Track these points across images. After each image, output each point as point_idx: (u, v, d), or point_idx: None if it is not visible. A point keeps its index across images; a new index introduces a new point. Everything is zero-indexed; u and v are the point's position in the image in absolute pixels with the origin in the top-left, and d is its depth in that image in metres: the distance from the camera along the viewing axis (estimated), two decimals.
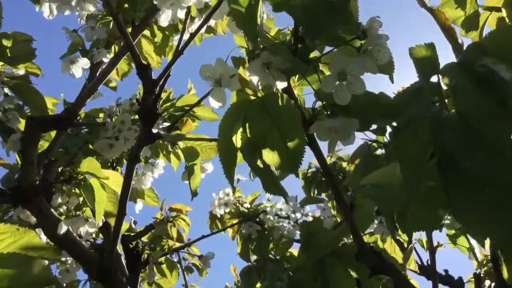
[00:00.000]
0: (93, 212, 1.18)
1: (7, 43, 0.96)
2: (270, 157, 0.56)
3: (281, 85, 0.58)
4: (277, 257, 1.67)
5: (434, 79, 0.58)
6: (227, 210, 1.71)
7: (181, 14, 0.80)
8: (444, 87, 0.56)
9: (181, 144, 1.07)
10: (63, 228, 0.95)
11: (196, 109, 1.31)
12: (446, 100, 0.54)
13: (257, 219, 1.67)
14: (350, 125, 0.58)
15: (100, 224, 1.02)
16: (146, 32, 1.12)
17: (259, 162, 0.57)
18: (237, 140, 0.59)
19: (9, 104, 1.03)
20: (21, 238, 0.58)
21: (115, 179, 1.01)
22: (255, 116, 0.57)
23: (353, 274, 0.83)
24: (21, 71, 1.01)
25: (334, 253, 0.85)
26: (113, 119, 1.30)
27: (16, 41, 0.99)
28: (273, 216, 1.66)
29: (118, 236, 0.98)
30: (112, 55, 1.08)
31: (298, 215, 1.69)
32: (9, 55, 0.95)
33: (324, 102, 0.62)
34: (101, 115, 1.37)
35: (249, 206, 1.74)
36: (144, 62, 0.85)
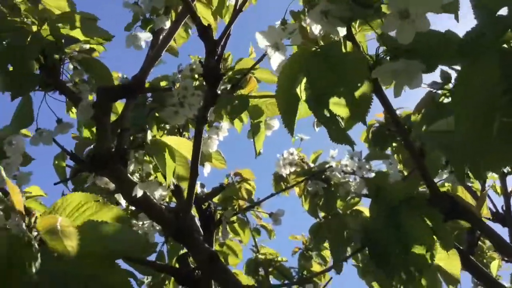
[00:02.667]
0: (165, 177, 1.23)
1: (77, 22, 1.01)
2: (336, 106, 0.56)
3: (342, 32, 0.58)
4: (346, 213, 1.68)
5: (503, 11, 0.55)
6: (292, 169, 1.72)
7: None
8: None
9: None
10: (139, 191, 1.00)
11: (255, 72, 1.32)
12: None
13: (323, 176, 1.68)
14: (414, 67, 0.56)
15: (172, 187, 1.07)
16: None
17: (325, 112, 0.57)
18: (301, 91, 0.59)
19: (79, 77, 1.08)
20: (100, 210, 0.62)
21: (184, 144, 1.05)
22: (318, 67, 0.57)
23: (428, 222, 0.83)
24: (86, 45, 1.05)
25: (406, 201, 0.85)
26: (176, 86, 1.34)
27: (83, 20, 1.03)
28: (339, 173, 1.66)
29: (192, 196, 1.02)
30: (170, 21, 1.11)
31: (364, 170, 1.68)
32: (82, 37, 0.99)
33: (386, 46, 0.61)
34: (163, 84, 1.41)
35: (312, 164, 1.75)
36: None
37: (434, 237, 0.82)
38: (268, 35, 0.61)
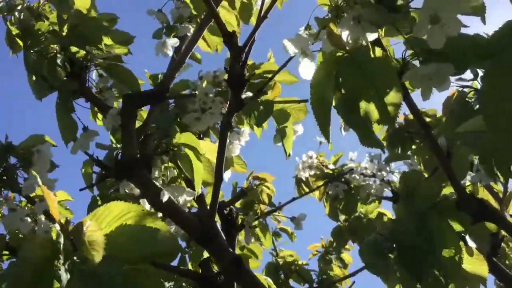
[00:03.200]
0: (188, 182, 1.25)
1: (101, 26, 1.03)
2: (366, 110, 0.57)
3: (372, 37, 0.58)
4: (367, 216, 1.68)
5: None
6: (312, 172, 1.73)
7: None
8: None
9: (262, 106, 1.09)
10: (165, 196, 1.01)
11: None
12: None
13: (343, 179, 1.69)
14: (445, 70, 0.57)
15: (200, 193, 1.08)
16: (224, 2, 1.15)
17: (355, 117, 0.58)
18: (331, 96, 0.60)
19: (104, 84, 1.10)
20: (144, 216, 0.64)
21: (208, 148, 1.06)
22: (347, 72, 0.58)
23: (456, 226, 0.83)
24: (112, 51, 1.07)
25: (435, 206, 0.85)
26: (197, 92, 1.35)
27: (106, 23, 1.05)
28: (359, 175, 1.66)
29: (217, 201, 1.03)
30: (194, 28, 1.12)
31: (384, 173, 1.68)
32: (106, 41, 1.01)
33: (415, 50, 0.61)
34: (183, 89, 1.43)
35: (333, 167, 1.75)
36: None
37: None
38: (296, 42, 0.62)
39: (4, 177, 1.24)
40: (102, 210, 0.65)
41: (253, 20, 1.25)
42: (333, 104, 0.60)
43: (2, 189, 1.24)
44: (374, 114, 0.57)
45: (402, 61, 0.65)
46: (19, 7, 1.10)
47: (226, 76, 1.08)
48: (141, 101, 1.02)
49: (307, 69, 0.63)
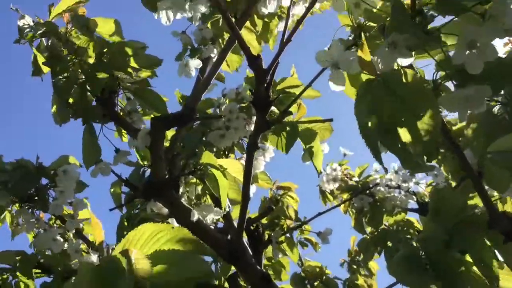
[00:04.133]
0: (214, 197, 1.26)
1: (126, 51, 1.05)
2: (404, 135, 0.57)
3: (407, 61, 0.58)
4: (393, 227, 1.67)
5: None
6: (336, 185, 1.72)
7: (286, 1, 0.83)
8: None
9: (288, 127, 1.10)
10: (195, 216, 1.03)
11: (297, 90, 1.33)
12: None
13: (367, 191, 1.68)
14: (483, 92, 0.57)
15: (227, 210, 1.09)
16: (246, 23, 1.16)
17: (393, 141, 0.58)
18: (371, 120, 0.60)
19: (132, 107, 1.11)
20: (176, 235, 0.65)
21: (234, 166, 1.07)
22: (381, 97, 0.58)
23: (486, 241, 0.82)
24: (139, 75, 1.09)
25: (465, 221, 0.84)
26: (221, 110, 1.36)
27: (134, 49, 1.07)
28: (384, 187, 1.66)
29: (244, 220, 1.03)
30: (218, 49, 1.14)
31: (410, 184, 1.67)
32: (133, 64, 1.03)
33: (447, 72, 0.61)
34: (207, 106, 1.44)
35: (358, 179, 1.75)
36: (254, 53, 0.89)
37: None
38: (329, 54, 0.63)
39: (36, 198, 1.28)
40: (134, 234, 0.66)
41: (270, 43, 1.26)
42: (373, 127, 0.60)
43: (34, 209, 1.27)
44: (413, 138, 0.57)
45: (433, 83, 0.65)
46: (43, 30, 1.12)
47: (250, 96, 1.10)
48: (169, 123, 1.03)
49: (338, 82, 0.63)
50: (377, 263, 1.89)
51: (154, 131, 1.03)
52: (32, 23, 1.11)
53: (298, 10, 0.97)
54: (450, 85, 0.65)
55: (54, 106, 1.04)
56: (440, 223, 0.90)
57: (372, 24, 0.80)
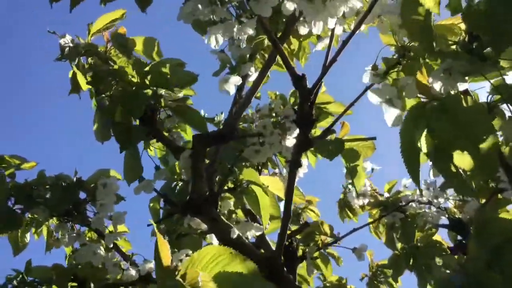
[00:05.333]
0: (246, 213, 1.27)
1: (166, 69, 1.07)
2: (460, 160, 0.58)
3: (462, 86, 0.59)
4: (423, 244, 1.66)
5: None
6: (366, 201, 1.72)
7: (331, 23, 0.84)
8: None
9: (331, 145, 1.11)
10: (235, 233, 1.04)
11: (328, 106, 1.34)
12: None
13: (398, 207, 1.67)
14: None
15: (267, 227, 1.10)
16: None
17: (448, 165, 0.58)
18: (422, 143, 0.61)
19: (172, 124, 1.13)
20: (235, 259, 0.66)
21: (275, 184, 1.08)
22: (439, 121, 0.59)
23: None
24: (180, 93, 1.11)
25: (509, 240, 0.83)
26: (254, 126, 1.38)
27: (172, 67, 1.09)
28: (415, 203, 1.65)
29: (285, 237, 1.04)
30: (254, 67, 1.15)
31: (441, 200, 1.66)
32: (170, 81, 1.05)
33: (503, 96, 0.62)
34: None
35: (387, 195, 1.74)
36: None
37: None
38: (381, 92, 0.64)
39: (74, 212, 1.30)
40: (197, 255, 0.67)
41: (302, 61, 1.27)
42: (424, 150, 0.61)
43: (73, 223, 1.29)
44: (469, 163, 0.57)
45: (487, 105, 0.66)
46: (84, 50, 1.15)
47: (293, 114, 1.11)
48: (210, 142, 1.05)
49: (393, 116, 0.64)
50: (400, 279, 1.87)
51: (196, 149, 1.05)
52: (72, 42, 1.13)
53: (339, 31, 0.98)
54: (504, 108, 0.66)
55: (96, 124, 1.06)
56: (484, 242, 0.90)
57: (416, 44, 0.81)
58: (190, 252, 1.01)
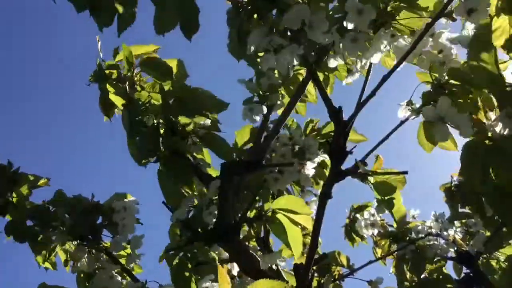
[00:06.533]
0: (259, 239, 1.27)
1: (197, 94, 1.07)
2: None
3: None
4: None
5: None
6: (375, 231, 1.72)
7: (375, 59, 0.86)
8: None
9: (371, 178, 1.12)
10: (264, 264, 1.03)
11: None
12: None
13: (407, 238, 1.68)
14: None
15: (295, 257, 1.09)
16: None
17: (508, 208, 0.59)
18: (479, 183, 0.62)
19: (198, 151, 1.13)
20: None
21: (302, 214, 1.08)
22: (498, 162, 0.60)
23: None
24: (207, 121, 1.11)
25: None
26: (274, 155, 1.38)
27: (203, 93, 1.10)
28: (425, 235, 1.66)
29: (310, 266, 1.04)
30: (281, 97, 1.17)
31: (450, 232, 1.67)
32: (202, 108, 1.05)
33: None
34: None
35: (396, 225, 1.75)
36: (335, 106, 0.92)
37: None
38: (439, 109, 0.65)
39: (90, 236, 1.28)
40: None
41: (328, 90, 1.29)
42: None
43: (89, 247, 1.28)
44: None
45: None
46: (117, 75, 1.15)
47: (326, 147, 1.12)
48: (237, 170, 1.05)
49: (442, 136, 0.66)
50: None
51: (223, 176, 1.05)
52: (105, 66, 1.14)
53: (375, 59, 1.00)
54: None
55: (133, 148, 1.06)
56: None
57: (454, 82, 0.83)
58: (213, 277, 1.01)
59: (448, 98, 0.66)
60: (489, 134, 0.63)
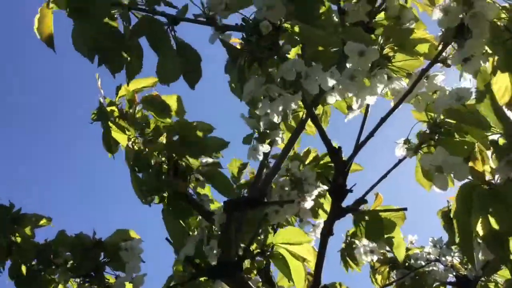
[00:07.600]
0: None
1: (199, 134, 1.10)
2: None
3: None
4: None
5: None
6: (375, 257, 1.74)
7: (371, 100, 0.88)
8: None
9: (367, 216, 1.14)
10: None
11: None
12: None
13: (406, 264, 1.70)
14: None
15: None
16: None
17: (507, 253, 0.61)
18: (476, 226, 0.64)
19: (200, 188, 1.15)
20: None
21: (304, 249, 1.10)
22: (496, 208, 0.62)
23: None
24: (209, 159, 1.13)
25: None
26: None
27: (202, 131, 1.12)
28: (424, 261, 1.68)
29: None
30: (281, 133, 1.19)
31: (449, 257, 1.69)
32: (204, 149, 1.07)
33: None
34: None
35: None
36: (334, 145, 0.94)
37: None
38: (435, 157, 0.67)
39: (92, 273, 1.29)
40: None
41: (324, 125, 1.31)
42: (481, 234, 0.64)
43: (91, 285, 1.28)
44: None
45: None
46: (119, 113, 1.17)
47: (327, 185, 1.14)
48: (239, 207, 1.07)
49: (441, 185, 0.68)
50: None
51: (226, 214, 1.07)
52: (106, 104, 1.16)
53: (371, 101, 1.02)
54: None
55: (136, 187, 1.08)
56: None
57: (450, 120, 0.86)
58: None
59: (444, 150, 0.68)
60: (486, 179, 0.65)
